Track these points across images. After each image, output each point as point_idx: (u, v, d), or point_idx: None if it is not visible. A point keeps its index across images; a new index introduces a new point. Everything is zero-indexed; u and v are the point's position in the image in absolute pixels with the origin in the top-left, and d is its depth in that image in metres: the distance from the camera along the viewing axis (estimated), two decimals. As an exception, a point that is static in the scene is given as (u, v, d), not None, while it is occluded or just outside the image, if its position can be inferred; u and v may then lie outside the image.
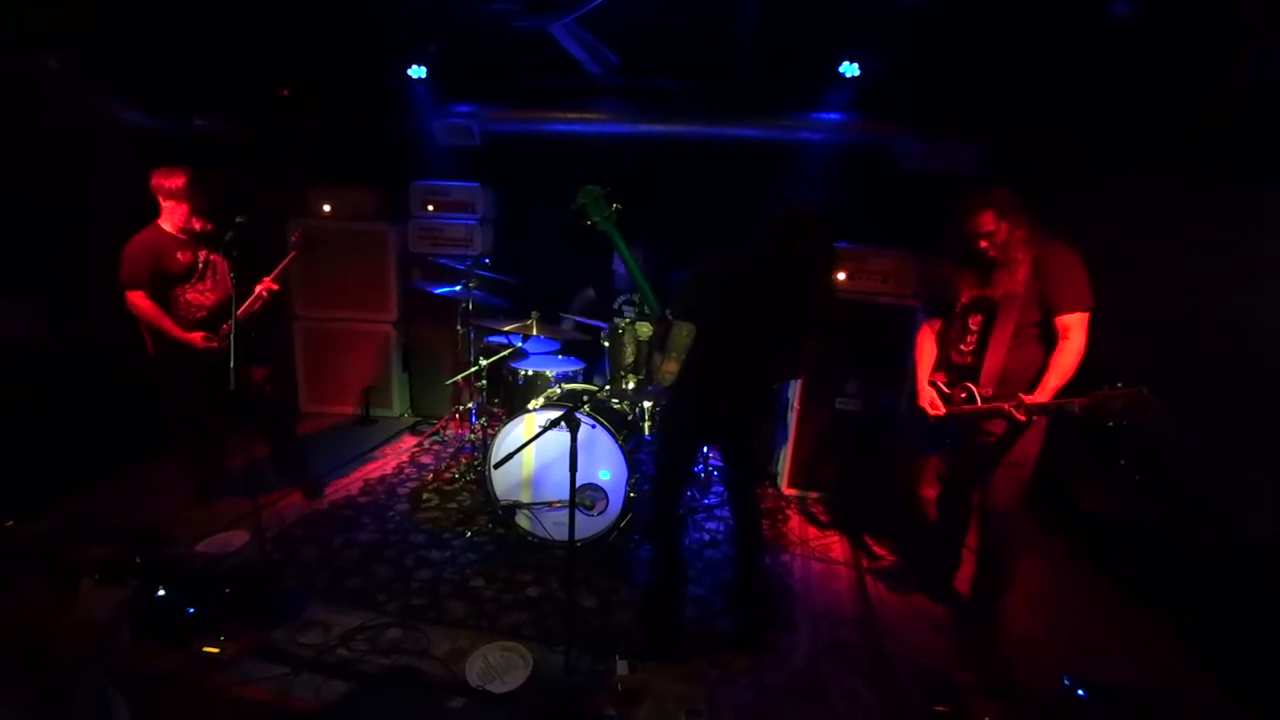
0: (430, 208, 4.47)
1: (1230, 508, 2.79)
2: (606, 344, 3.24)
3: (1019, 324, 2.26)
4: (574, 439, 2.11)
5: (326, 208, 4.47)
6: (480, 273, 3.60)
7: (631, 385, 3.20)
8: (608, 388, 3.28)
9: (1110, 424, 1.93)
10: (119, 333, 3.06)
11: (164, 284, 2.90)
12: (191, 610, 2.31)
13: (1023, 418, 2.14)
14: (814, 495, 3.79)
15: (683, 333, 2.22)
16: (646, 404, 3.22)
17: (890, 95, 3.79)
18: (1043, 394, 2.14)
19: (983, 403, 2.32)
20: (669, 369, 2.24)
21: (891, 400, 3.54)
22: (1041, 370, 2.21)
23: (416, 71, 4.12)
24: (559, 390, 3.19)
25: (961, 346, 2.45)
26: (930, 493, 2.82)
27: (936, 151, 3.78)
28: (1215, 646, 2.55)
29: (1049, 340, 2.24)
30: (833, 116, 3.97)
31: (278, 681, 2.11)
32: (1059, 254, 2.23)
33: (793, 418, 3.71)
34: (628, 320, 3.20)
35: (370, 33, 3.77)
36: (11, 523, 2.86)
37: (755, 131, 4.16)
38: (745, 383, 2.32)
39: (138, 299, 2.84)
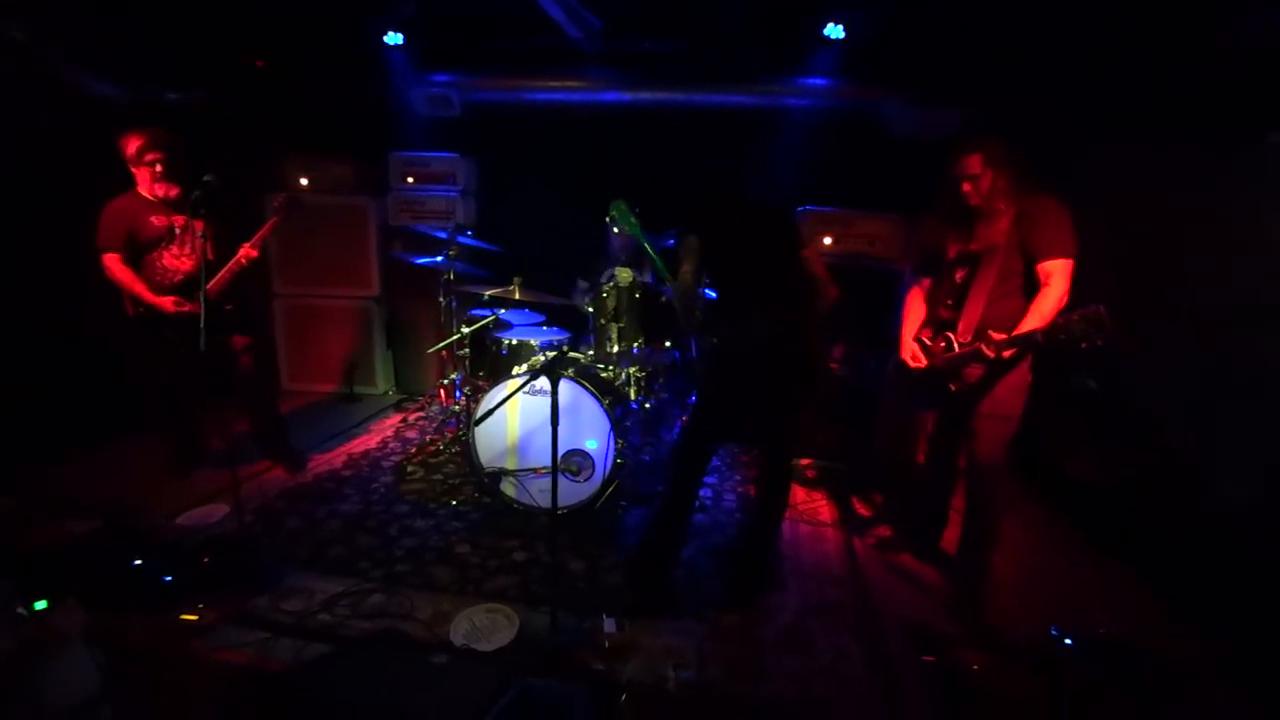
0: (410, 180, 4.38)
1: (1209, 474, 2.82)
2: (590, 309, 3.19)
3: (1000, 275, 2.26)
4: (555, 393, 2.07)
5: (304, 181, 4.37)
6: (461, 240, 3.53)
7: (616, 349, 3.15)
8: (591, 352, 3.24)
9: (1072, 347, 1.97)
10: (93, 308, 2.99)
11: (138, 248, 2.84)
12: (168, 579, 2.26)
13: (991, 353, 2.17)
14: (804, 462, 3.78)
15: (693, 241, 2.37)
16: (632, 369, 3.18)
17: (877, 60, 3.74)
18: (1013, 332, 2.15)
19: (959, 349, 2.32)
20: (685, 270, 2.37)
21: (879, 365, 3.52)
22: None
23: (393, 38, 4.02)
24: (544, 358, 3.15)
25: (948, 301, 2.45)
26: (919, 456, 2.81)
27: (925, 117, 3.73)
28: (1195, 602, 2.57)
29: (1032, 293, 2.22)
30: (819, 81, 3.92)
31: (257, 646, 2.07)
32: (1043, 203, 2.22)
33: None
34: (608, 282, 3.15)
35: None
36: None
37: (740, 98, 4.09)
38: (786, 316, 2.29)
39: (111, 262, 2.80)
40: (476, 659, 1.93)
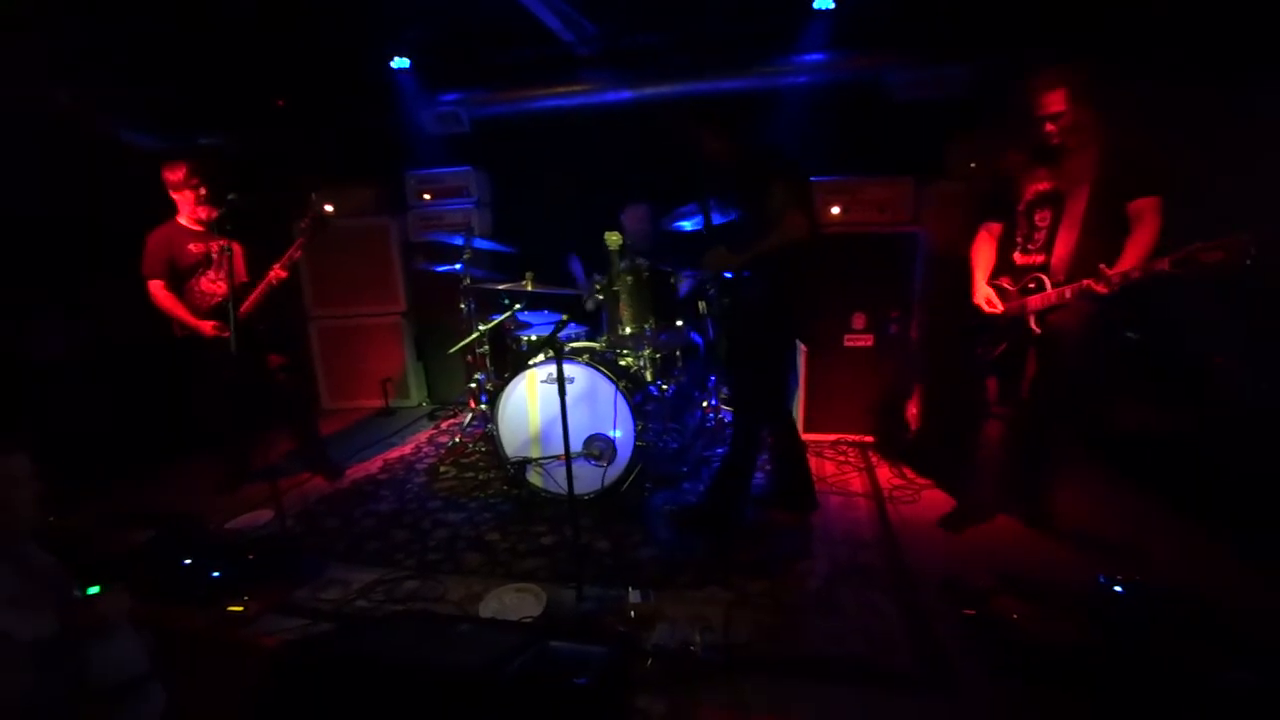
0: (426, 196, 4.55)
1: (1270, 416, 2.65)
2: (600, 296, 3.25)
3: (1089, 212, 2.16)
4: (560, 366, 2.12)
5: (329, 208, 4.59)
6: (476, 243, 3.65)
7: (629, 330, 3.19)
8: (605, 337, 3.28)
9: (1205, 278, 1.85)
10: (143, 339, 3.21)
11: (179, 275, 3.05)
12: (217, 574, 2.38)
13: (1104, 289, 2.03)
14: (831, 438, 3.72)
15: (794, 187, 2.46)
16: (646, 351, 3.21)
17: (870, 26, 3.72)
18: (1123, 266, 2.03)
19: (1053, 288, 2.22)
20: (795, 215, 2.38)
21: (900, 329, 3.46)
22: (1115, 262, 2.08)
23: (400, 63, 4.21)
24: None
25: (1029, 246, 2.34)
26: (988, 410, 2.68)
27: (926, 78, 3.67)
28: (1263, 550, 2.41)
29: (1123, 232, 2.12)
30: (815, 57, 3.90)
31: (298, 632, 2.16)
32: (1131, 137, 2.12)
33: (801, 360, 3.65)
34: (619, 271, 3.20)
35: (350, 25, 3.87)
36: (52, 518, 3.00)
37: (737, 83, 4.11)
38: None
39: (156, 289, 3.01)
40: (502, 625, 1.97)
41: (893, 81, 3.80)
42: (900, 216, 3.47)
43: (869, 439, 3.65)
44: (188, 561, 2.40)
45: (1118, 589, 2.14)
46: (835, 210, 3.50)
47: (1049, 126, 2.16)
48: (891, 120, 3.77)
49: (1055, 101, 2.12)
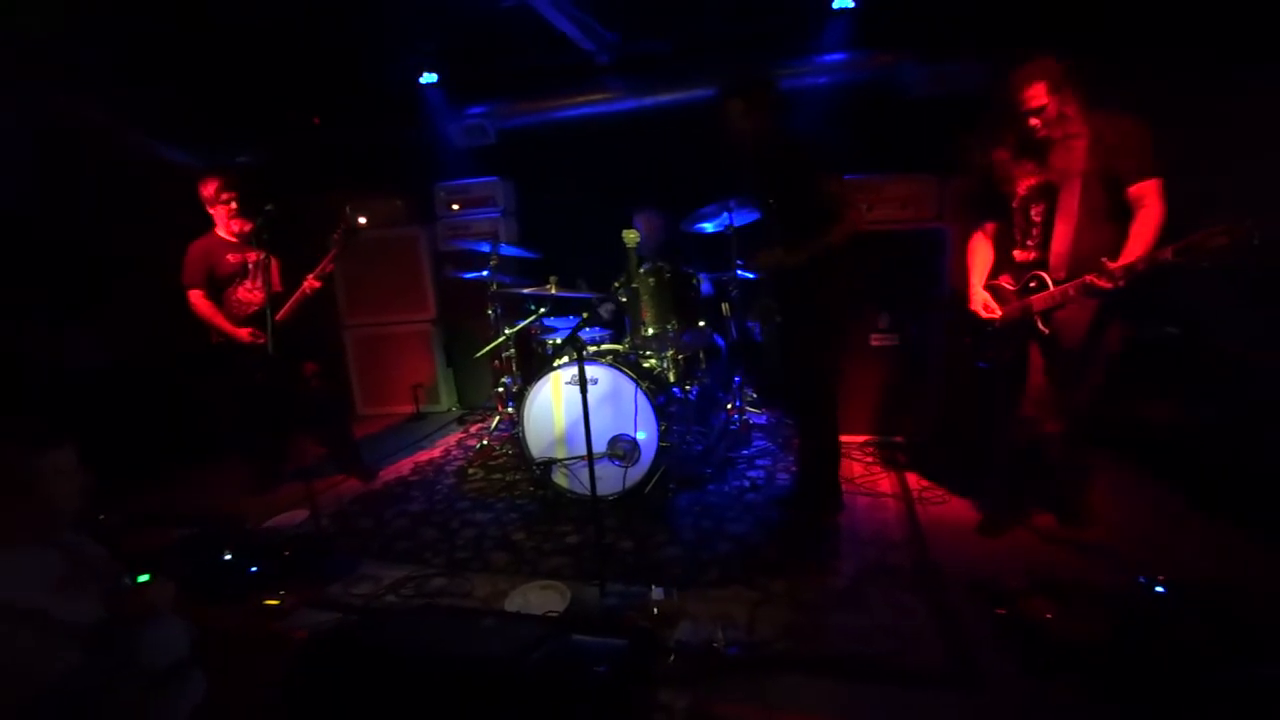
0: (455, 207, 4.67)
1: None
2: (624, 299, 3.28)
3: (1084, 204, 2.10)
4: (581, 364, 2.15)
5: (362, 220, 4.73)
6: (503, 249, 3.73)
7: (651, 330, 3.21)
8: (629, 339, 3.31)
9: (1207, 265, 1.79)
10: (188, 341, 3.36)
11: (217, 284, 3.19)
12: (254, 570, 2.47)
13: (1108, 284, 1.96)
14: (860, 439, 3.67)
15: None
16: (669, 352, 3.23)
17: (887, 25, 3.70)
18: (1128, 258, 1.96)
19: (1055, 285, 2.16)
20: (854, 213, 2.44)
21: (922, 328, 3.40)
22: (1118, 252, 2.02)
23: (428, 78, 4.35)
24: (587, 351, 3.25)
25: (1027, 241, 2.29)
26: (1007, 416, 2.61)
27: (942, 74, 3.63)
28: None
29: (1123, 219, 2.06)
30: (835, 56, 3.90)
31: (330, 625, 2.22)
32: (1119, 122, 2.07)
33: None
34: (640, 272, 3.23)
35: (376, 41, 4.00)
36: (103, 516, 3.14)
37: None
38: None
39: (195, 298, 3.15)
40: (525, 619, 1.99)
41: (909, 79, 3.78)
42: (925, 213, 3.43)
43: (898, 439, 3.59)
44: (227, 557, 2.50)
45: (1159, 589, 2.07)
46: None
47: (1033, 120, 2.11)
48: (910, 117, 3.73)
49: (1036, 95, 2.08)
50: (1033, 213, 2.26)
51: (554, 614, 2.16)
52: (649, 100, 4.27)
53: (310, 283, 3.24)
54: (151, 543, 2.76)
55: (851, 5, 3.52)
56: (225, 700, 1.82)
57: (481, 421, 4.55)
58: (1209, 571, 2.24)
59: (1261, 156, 2.67)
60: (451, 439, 4.31)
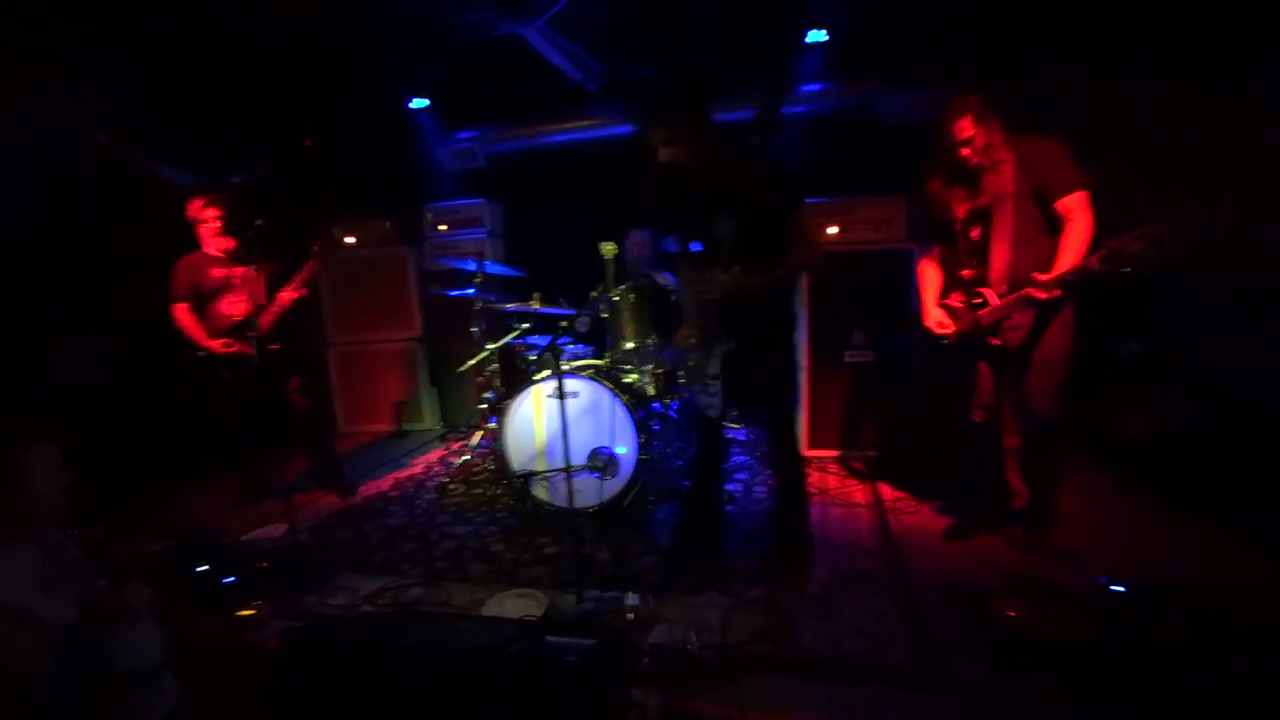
0: (442, 227, 4.75)
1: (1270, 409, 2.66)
2: (605, 315, 3.35)
3: (1017, 222, 2.27)
4: (559, 374, 2.20)
5: (350, 239, 4.81)
6: (488, 267, 3.80)
7: (631, 345, 3.27)
8: (609, 354, 3.37)
9: (1131, 267, 1.95)
10: (176, 356, 3.38)
11: (201, 298, 3.23)
12: (229, 580, 2.46)
13: (1043, 294, 2.14)
14: (835, 454, 3.74)
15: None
16: (649, 366, 3.29)
17: (860, 57, 3.90)
18: (1059, 270, 2.13)
19: (999, 299, 2.31)
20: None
21: (897, 342, 3.50)
22: (1053, 263, 2.18)
23: (419, 103, 4.47)
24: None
25: (970, 260, 2.44)
26: (972, 424, 2.70)
27: (914, 102, 3.81)
28: (1261, 539, 2.42)
29: (1056, 233, 2.22)
30: (810, 88, 4.09)
31: (305, 624, 2.21)
32: (1039, 144, 2.25)
33: (803, 379, 3.70)
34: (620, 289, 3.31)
35: (369, 67, 4.13)
36: (75, 531, 3.11)
37: (736, 115, 4.29)
38: None
39: (180, 311, 3.20)
40: (500, 621, 2.01)
41: (881, 106, 3.96)
42: (895, 234, 3.56)
43: (871, 453, 3.66)
44: (203, 568, 2.49)
45: (1118, 588, 2.14)
46: (833, 230, 3.60)
47: (964, 150, 2.28)
48: (883, 143, 3.89)
49: (964, 128, 2.25)
50: (972, 234, 2.41)
51: (531, 618, 2.18)
52: (635, 126, 4.41)
53: (289, 293, 3.29)
54: (129, 553, 2.75)
55: (825, 39, 3.70)
56: (199, 706, 1.82)
57: (464, 439, 4.56)
58: (1177, 570, 2.32)
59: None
60: (433, 455, 4.31)
